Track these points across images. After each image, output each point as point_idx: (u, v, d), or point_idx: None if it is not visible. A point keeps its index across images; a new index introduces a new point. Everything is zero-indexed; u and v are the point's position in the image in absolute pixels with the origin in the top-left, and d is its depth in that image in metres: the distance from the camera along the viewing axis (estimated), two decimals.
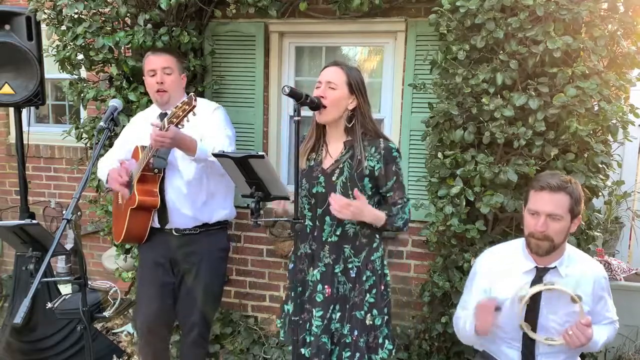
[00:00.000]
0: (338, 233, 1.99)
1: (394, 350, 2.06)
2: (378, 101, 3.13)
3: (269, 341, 3.25)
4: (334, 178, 1.97)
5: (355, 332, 1.98)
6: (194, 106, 1.96)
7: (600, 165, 2.36)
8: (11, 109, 3.86)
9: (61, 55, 2.86)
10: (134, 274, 3.14)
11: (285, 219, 2.01)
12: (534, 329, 1.90)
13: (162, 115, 2.38)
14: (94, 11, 2.81)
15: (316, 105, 1.92)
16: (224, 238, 2.61)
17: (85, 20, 2.78)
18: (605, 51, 2.24)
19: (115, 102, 2.24)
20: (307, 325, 2.02)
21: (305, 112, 1.98)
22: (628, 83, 2.34)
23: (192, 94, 1.97)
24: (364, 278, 2.00)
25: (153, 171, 2.34)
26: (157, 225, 2.42)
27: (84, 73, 3.08)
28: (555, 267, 1.89)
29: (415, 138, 2.94)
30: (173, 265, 2.50)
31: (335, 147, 2.03)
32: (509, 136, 2.31)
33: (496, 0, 2.24)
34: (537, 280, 1.90)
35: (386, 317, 2.05)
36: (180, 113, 1.97)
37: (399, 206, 1.99)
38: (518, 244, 2.00)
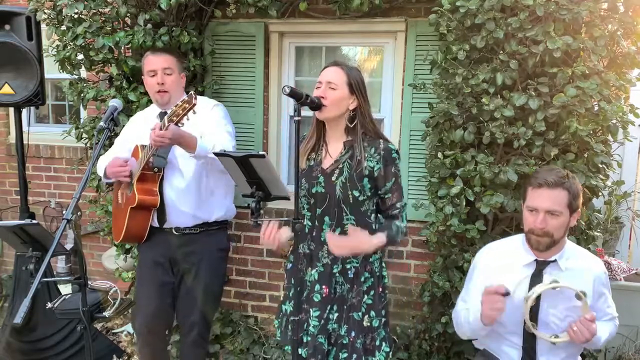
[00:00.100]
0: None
1: (390, 353, 2.05)
2: (378, 101, 3.13)
3: (269, 341, 3.25)
4: (333, 178, 1.97)
5: (353, 334, 1.97)
6: (194, 105, 1.96)
7: (600, 165, 2.36)
8: (11, 109, 3.86)
9: (61, 55, 2.86)
10: (134, 274, 3.13)
11: (286, 219, 2.01)
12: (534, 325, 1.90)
13: (162, 114, 2.38)
14: (94, 11, 2.81)
15: (316, 106, 1.92)
16: (224, 238, 2.61)
17: (85, 20, 2.78)
18: (605, 51, 2.24)
19: (115, 102, 2.24)
20: (305, 325, 2.02)
21: (305, 112, 1.97)
22: (628, 83, 2.35)
23: (192, 92, 1.97)
24: (362, 279, 2.00)
25: (153, 170, 2.34)
26: (156, 224, 2.42)
27: (84, 73, 3.09)
28: (555, 260, 1.89)
29: (415, 138, 2.94)
30: (172, 265, 2.50)
31: (335, 147, 2.02)
32: (509, 136, 2.31)
33: (496, 0, 2.24)
34: (537, 273, 1.90)
35: (384, 319, 2.04)
36: (180, 112, 1.97)
37: (397, 211, 1.98)
38: (518, 239, 2.00)
